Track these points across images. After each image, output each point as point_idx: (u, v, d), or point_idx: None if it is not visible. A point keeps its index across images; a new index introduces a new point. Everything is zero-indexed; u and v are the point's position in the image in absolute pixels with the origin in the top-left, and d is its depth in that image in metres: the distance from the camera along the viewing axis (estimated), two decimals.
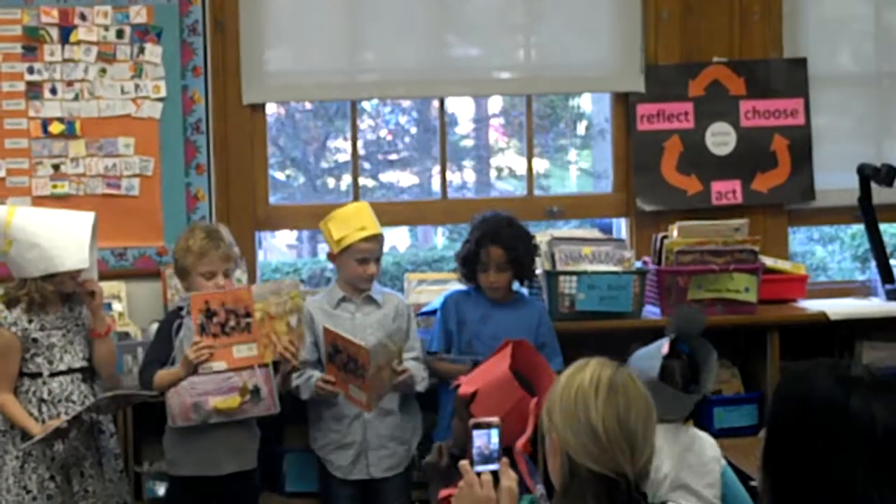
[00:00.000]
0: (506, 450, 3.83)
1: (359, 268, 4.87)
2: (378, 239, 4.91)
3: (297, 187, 9.12)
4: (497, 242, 4.93)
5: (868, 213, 5.63)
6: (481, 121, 9.54)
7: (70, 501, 4.51)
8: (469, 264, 4.98)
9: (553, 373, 4.15)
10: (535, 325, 4.99)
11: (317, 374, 4.73)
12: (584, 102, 8.67)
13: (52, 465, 4.49)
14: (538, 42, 5.84)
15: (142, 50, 5.36)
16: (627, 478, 2.65)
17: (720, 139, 5.77)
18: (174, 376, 4.52)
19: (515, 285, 5.06)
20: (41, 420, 4.45)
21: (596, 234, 5.71)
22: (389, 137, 9.38)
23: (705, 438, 3.98)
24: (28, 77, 5.30)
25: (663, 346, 4.04)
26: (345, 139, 8.57)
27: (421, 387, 4.83)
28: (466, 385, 4.09)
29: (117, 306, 5.16)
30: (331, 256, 4.98)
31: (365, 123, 8.83)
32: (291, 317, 4.59)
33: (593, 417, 2.65)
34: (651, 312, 5.41)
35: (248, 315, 4.52)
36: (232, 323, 4.51)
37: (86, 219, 4.49)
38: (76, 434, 4.43)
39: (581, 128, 9.23)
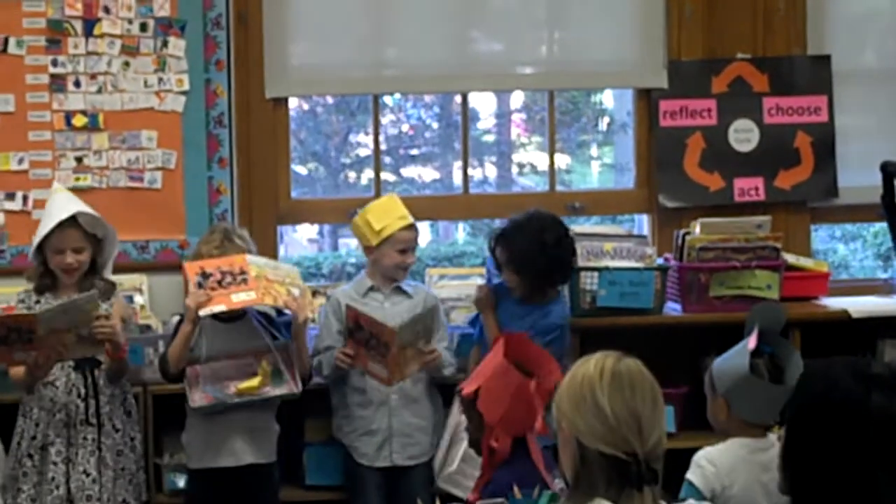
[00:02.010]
0: (520, 440, 3.91)
1: (399, 257, 4.91)
2: (416, 229, 4.99)
3: (319, 182, 9.14)
4: (500, 243, 4.96)
5: (891, 210, 5.59)
6: (503, 116, 9.55)
7: (46, 484, 4.55)
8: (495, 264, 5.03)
9: (551, 357, 4.16)
10: (546, 327, 4.95)
11: (338, 348, 4.76)
12: (606, 98, 8.66)
13: (31, 443, 4.56)
14: (560, 37, 5.85)
15: (165, 43, 5.37)
16: (638, 458, 2.68)
17: (743, 136, 5.76)
18: (182, 336, 4.56)
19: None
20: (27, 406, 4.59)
21: (618, 230, 5.72)
22: (411, 132, 9.40)
23: None
24: (52, 70, 5.32)
25: (749, 342, 4.04)
26: (366, 134, 8.59)
27: (448, 371, 4.87)
28: (468, 386, 4.12)
29: (139, 299, 5.18)
30: (367, 248, 4.98)
31: (387, 118, 8.84)
32: (293, 288, 4.63)
33: (600, 399, 2.71)
34: (672, 309, 5.42)
35: (244, 273, 4.55)
36: (228, 280, 4.54)
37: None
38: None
39: (603, 123, 9.22)
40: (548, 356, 4.18)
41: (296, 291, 4.63)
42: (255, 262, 4.61)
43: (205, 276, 4.53)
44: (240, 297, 4.54)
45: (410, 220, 4.95)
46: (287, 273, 4.70)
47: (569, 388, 2.79)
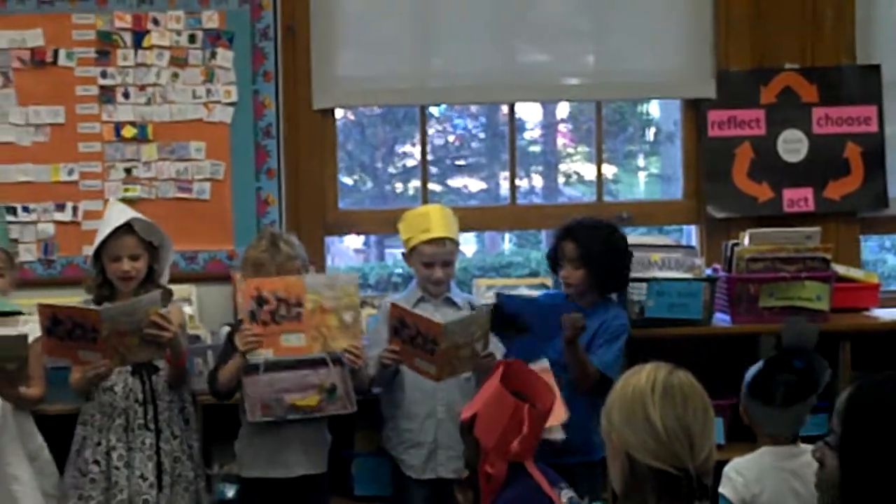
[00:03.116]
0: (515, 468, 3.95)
1: (425, 271, 4.88)
2: (444, 243, 4.86)
3: (366, 192, 9.16)
4: (570, 237, 4.94)
5: None
6: (549, 126, 9.54)
7: (112, 489, 4.57)
8: (551, 261, 5.03)
9: (547, 383, 4.21)
10: (618, 329, 4.95)
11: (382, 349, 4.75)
12: (653, 108, 8.65)
13: (96, 448, 4.58)
14: (607, 48, 5.85)
15: (213, 55, 5.41)
16: (689, 472, 2.68)
17: (792, 146, 5.75)
18: (233, 367, 4.59)
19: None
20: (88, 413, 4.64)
21: (666, 240, 5.69)
22: (458, 143, 9.41)
23: None
24: (101, 81, 5.36)
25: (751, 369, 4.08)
26: (413, 144, 8.61)
27: None
28: (466, 411, 4.16)
29: (188, 309, 5.19)
30: (405, 257, 5.01)
31: (433, 129, 8.85)
32: (346, 313, 4.60)
33: (651, 414, 2.70)
34: (721, 320, 5.40)
35: (300, 304, 4.54)
36: (283, 311, 4.54)
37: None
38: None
39: (650, 133, 9.21)
40: (544, 382, 4.21)
41: (348, 317, 4.59)
42: (312, 287, 4.57)
43: (260, 302, 4.53)
44: (289, 342, 4.55)
45: (438, 233, 4.85)
46: (344, 291, 4.61)
47: (620, 400, 2.78)
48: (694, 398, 2.76)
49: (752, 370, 4.17)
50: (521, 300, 4.96)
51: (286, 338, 4.55)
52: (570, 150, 9.72)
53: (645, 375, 2.78)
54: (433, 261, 4.85)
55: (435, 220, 4.87)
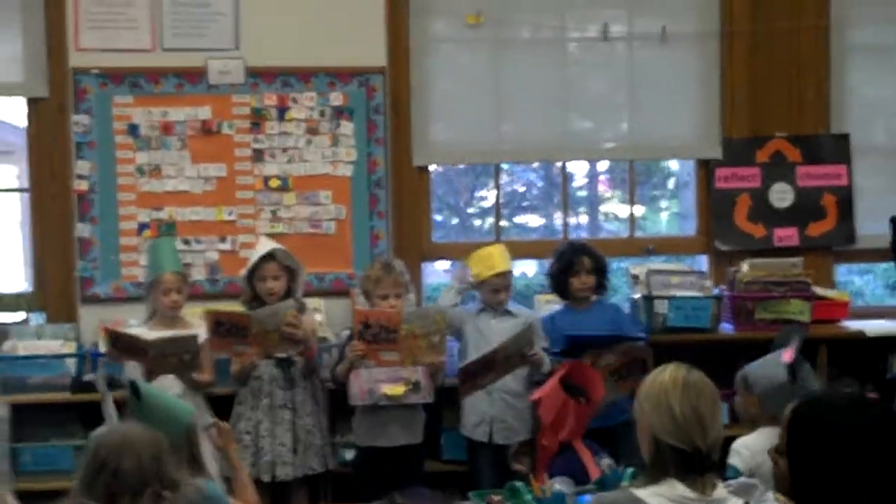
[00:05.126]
0: (566, 445, 4.00)
1: (491, 296, 4.91)
2: (506, 275, 4.90)
3: (452, 227, 9.17)
4: (585, 252, 5.00)
5: None
6: (592, 176, 9.51)
7: (259, 455, 4.64)
8: (562, 274, 4.99)
9: (600, 381, 4.27)
10: (612, 316, 5.00)
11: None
12: (672, 163, 8.59)
13: (248, 423, 4.66)
14: (637, 118, 5.81)
15: (338, 125, 5.44)
16: (701, 450, 2.69)
17: (781, 196, 5.72)
18: (343, 369, 4.65)
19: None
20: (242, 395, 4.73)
21: (683, 267, 5.68)
22: (522, 189, 9.40)
23: None
24: (254, 145, 5.40)
25: (785, 356, 4.05)
26: (488, 190, 8.63)
27: (545, 368, 4.72)
28: (536, 394, 4.24)
29: (318, 317, 5.21)
30: (474, 284, 4.99)
31: (503, 179, 8.84)
32: (434, 336, 4.61)
33: (673, 404, 2.71)
34: (726, 328, 5.39)
35: (395, 331, 4.54)
36: (382, 335, 4.55)
37: None
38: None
39: (670, 182, 9.15)
40: (599, 379, 4.24)
41: (436, 339, 4.59)
42: (408, 319, 4.56)
43: (366, 326, 4.56)
44: (386, 357, 4.56)
45: (501, 268, 4.86)
46: (434, 321, 4.59)
47: (648, 393, 2.79)
48: (706, 391, 2.76)
49: (771, 367, 4.11)
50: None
51: (384, 354, 4.58)
52: (608, 195, 9.67)
53: (668, 374, 2.79)
54: (499, 287, 4.89)
55: (497, 259, 4.91)
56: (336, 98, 5.44)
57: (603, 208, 9.55)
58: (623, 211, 7.91)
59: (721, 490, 2.75)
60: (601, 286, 5.05)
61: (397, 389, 4.60)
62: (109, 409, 3.94)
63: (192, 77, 5.34)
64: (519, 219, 9.29)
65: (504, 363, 4.60)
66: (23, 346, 5.03)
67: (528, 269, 7.66)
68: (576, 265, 4.98)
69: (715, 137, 5.75)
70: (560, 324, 4.96)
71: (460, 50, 5.66)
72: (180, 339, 4.54)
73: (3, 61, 5.33)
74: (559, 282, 5.04)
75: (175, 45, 5.35)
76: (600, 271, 5.02)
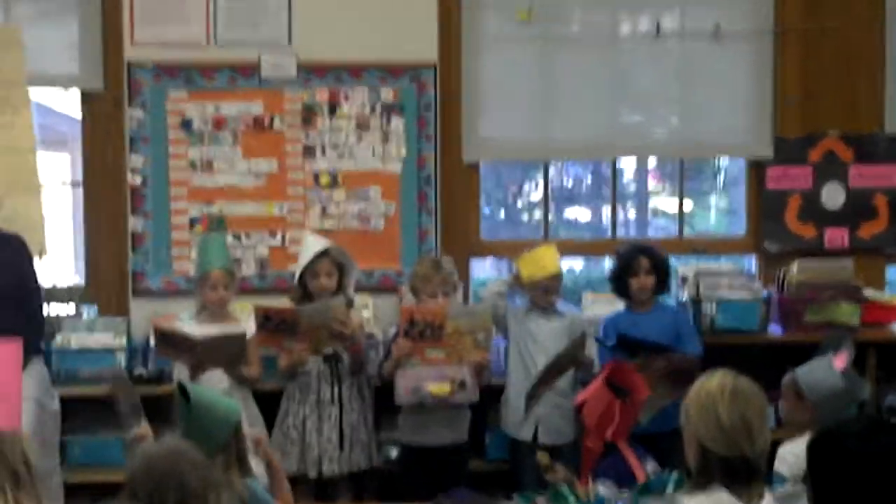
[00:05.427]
0: (611, 445, 3.97)
1: (541, 296, 4.89)
2: (557, 277, 4.89)
3: (500, 222, 9.17)
4: (645, 253, 4.96)
5: None
6: (642, 171, 9.46)
7: (307, 451, 4.66)
8: (622, 274, 4.96)
9: (643, 382, 4.21)
10: (672, 322, 4.95)
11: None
12: (722, 158, 8.53)
13: (296, 418, 4.68)
14: (688, 115, 5.77)
15: (389, 121, 5.44)
16: (748, 458, 2.68)
17: (833, 196, 5.66)
18: (390, 366, 4.66)
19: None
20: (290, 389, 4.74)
21: (732, 267, 5.63)
22: (570, 184, 9.38)
23: None
24: (305, 141, 5.41)
25: (837, 362, 4.01)
26: (536, 186, 8.61)
27: (594, 370, 4.70)
28: (580, 396, 4.24)
29: (366, 313, 5.23)
30: (524, 284, 4.95)
31: (552, 174, 8.83)
32: (479, 334, 4.62)
33: (720, 413, 2.71)
34: (774, 330, 5.35)
35: (441, 328, 4.56)
36: (428, 332, 4.57)
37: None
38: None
39: (720, 178, 9.09)
40: (643, 380, 4.22)
41: (481, 337, 4.61)
42: (454, 315, 4.58)
43: (412, 324, 4.58)
44: (432, 354, 4.59)
45: (551, 271, 4.85)
46: (480, 318, 4.63)
47: (696, 401, 2.79)
48: (753, 399, 2.75)
49: (825, 374, 4.03)
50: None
51: (430, 351, 4.59)
52: (658, 190, 9.62)
53: (716, 381, 2.79)
54: (548, 288, 4.87)
55: (549, 260, 4.89)
56: (387, 94, 5.43)
57: (651, 203, 9.49)
58: (671, 206, 7.87)
59: (768, 499, 2.74)
60: (661, 286, 5.02)
61: (443, 388, 4.62)
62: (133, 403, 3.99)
63: (245, 71, 5.37)
64: (567, 213, 9.27)
65: (559, 370, 4.62)
66: (74, 339, 5.09)
67: (575, 265, 7.64)
68: (634, 266, 4.95)
69: (767, 136, 5.69)
70: (620, 326, 4.93)
71: (511, 46, 5.63)
72: (228, 336, 4.58)
73: (59, 52, 5.38)
74: (619, 283, 5.01)
75: (228, 39, 5.38)
76: (660, 271, 4.98)
